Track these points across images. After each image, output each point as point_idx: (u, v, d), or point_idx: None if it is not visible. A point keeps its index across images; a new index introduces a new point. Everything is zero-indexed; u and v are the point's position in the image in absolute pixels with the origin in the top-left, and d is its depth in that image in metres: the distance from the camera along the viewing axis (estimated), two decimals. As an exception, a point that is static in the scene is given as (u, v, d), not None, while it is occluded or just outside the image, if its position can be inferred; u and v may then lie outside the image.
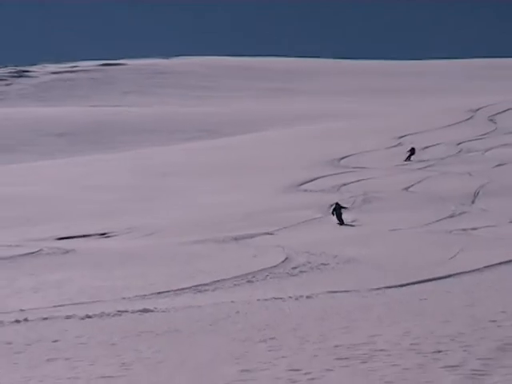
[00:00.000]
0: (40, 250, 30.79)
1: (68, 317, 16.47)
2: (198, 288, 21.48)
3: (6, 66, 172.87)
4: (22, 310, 18.07)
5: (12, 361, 11.95)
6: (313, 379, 9.60)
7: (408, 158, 57.27)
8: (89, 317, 16.42)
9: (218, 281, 22.35)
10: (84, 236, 37.48)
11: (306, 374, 9.84)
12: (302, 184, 50.64)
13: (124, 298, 19.70)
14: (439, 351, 10.68)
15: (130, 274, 24.80)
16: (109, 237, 37.92)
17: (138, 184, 55.30)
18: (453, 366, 9.73)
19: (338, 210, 43.23)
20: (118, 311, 17.26)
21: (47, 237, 36.57)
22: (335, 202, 43.43)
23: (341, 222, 42.73)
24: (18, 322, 16.12)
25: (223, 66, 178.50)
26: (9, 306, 19.06)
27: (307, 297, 18.88)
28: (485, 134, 68.01)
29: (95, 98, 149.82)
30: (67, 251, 31.07)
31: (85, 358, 11.69)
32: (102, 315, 16.74)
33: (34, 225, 41.57)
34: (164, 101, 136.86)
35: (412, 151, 57.28)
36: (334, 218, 39.90)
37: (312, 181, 51.12)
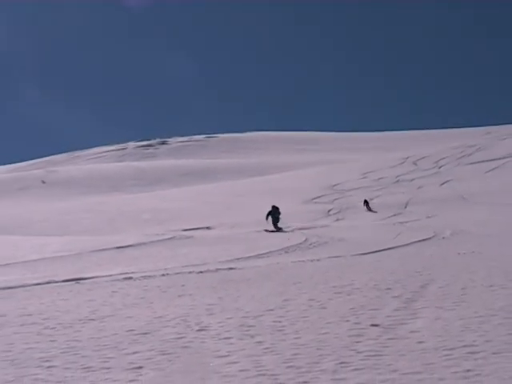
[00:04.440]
0: (174, 236, 33.95)
1: (190, 272, 17.86)
2: (259, 256, 22.88)
3: (156, 138, 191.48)
4: (165, 269, 18.97)
5: (160, 296, 13.30)
6: (322, 305, 11.19)
7: (368, 208, 53.65)
8: (201, 272, 17.81)
9: (270, 251, 24.05)
10: (197, 228, 41.22)
11: (317, 301, 11.51)
12: (313, 198, 61.97)
13: (219, 262, 20.79)
14: (388, 288, 12.54)
15: (221, 248, 26.23)
16: (210, 229, 41.87)
17: (227, 200, 62.75)
18: (396, 296, 11.61)
19: (273, 214, 37.38)
20: (217, 269, 18.38)
21: (178, 229, 40.12)
22: (272, 205, 38.35)
23: (276, 228, 36.62)
24: (163, 275, 17.43)
25: (273, 137, 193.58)
26: (158, 266, 20.05)
27: (317, 260, 20.42)
28: (411, 171, 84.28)
29: (205, 154, 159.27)
30: (189, 237, 34.11)
31: (199, 295, 13.13)
32: (207, 271, 17.98)
33: (171, 223, 45.71)
34: (241, 156, 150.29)
35: (366, 202, 54.52)
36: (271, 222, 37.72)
37: (319, 197, 63.04)
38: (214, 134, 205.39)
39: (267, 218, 36.71)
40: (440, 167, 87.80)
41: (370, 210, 53.41)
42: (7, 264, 22.43)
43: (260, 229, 37.41)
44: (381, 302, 11.26)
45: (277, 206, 37.91)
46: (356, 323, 9.55)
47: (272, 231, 34.96)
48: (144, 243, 30.17)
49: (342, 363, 7.48)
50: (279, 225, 37.00)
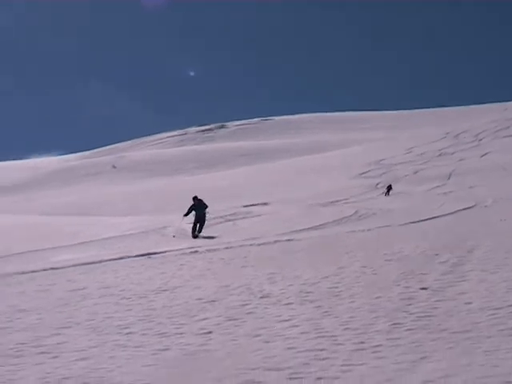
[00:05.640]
0: (236, 212, 34.25)
1: (251, 244, 17.79)
2: (314, 227, 22.84)
3: (216, 123, 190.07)
4: (228, 242, 19.01)
5: (224, 267, 13.46)
6: (374, 271, 11.23)
7: (387, 193, 47.97)
8: (261, 244, 17.70)
9: (323, 224, 24.00)
10: (256, 204, 41.28)
11: (370, 268, 11.54)
12: (362, 173, 61.05)
13: (277, 234, 20.74)
14: (436, 254, 12.47)
15: (278, 222, 26.61)
16: (267, 204, 41.79)
17: (281, 178, 62.64)
18: (443, 262, 11.57)
19: (197, 210, 23.67)
20: (275, 241, 18.50)
21: (239, 205, 40.37)
22: (194, 197, 23.72)
23: (194, 232, 22.94)
24: (226, 248, 17.46)
25: (322, 118, 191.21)
26: (221, 240, 20.18)
27: (367, 230, 20.27)
28: (452, 145, 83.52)
29: (260, 136, 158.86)
30: (248, 212, 34.33)
31: (260, 265, 13.14)
32: (267, 243, 17.92)
33: (231, 200, 45.87)
34: (293, 136, 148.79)
35: (389, 187, 48.98)
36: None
37: (367, 172, 62.03)
38: (268, 116, 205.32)
39: (186, 215, 23.91)
40: (480, 140, 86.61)
41: (387, 194, 49.25)
42: (85, 242, 22.88)
43: (313, 202, 37.40)
44: (429, 266, 11.20)
45: (200, 197, 24.64)
46: (406, 287, 9.54)
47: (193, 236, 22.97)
48: (207, 219, 30.51)
49: (395, 324, 7.49)
50: (204, 227, 24.01)
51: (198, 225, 23.65)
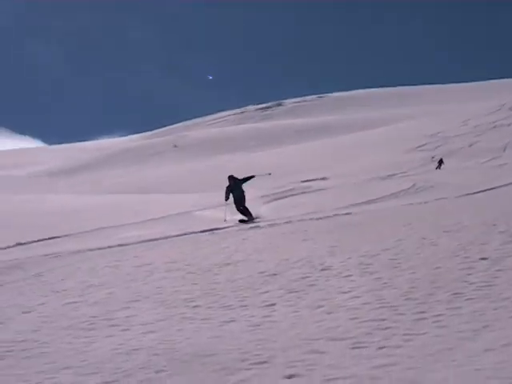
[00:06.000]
0: (293, 188, 34.24)
1: (310, 219, 17.74)
2: (372, 201, 22.82)
3: (274, 101, 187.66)
4: (288, 217, 18.98)
5: (285, 241, 13.35)
6: (433, 242, 10.88)
7: (439, 167, 46.97)
8: (320, 218, 17.69)
9: (381, 197, 23.94)
10: (314, 179, 41.16)
11: (429, 240, 11.21)
12: (418, 147, 59.49)
13: (336, 208, 20.74)
14: (494, 224, 12.07)
15: (337, 196, 26.72)
16: (325, 179, 41.58)
17: (339, 153, 62.20)
18: (502, 232, 11.12)
19: (235, 191, 21.01)
20: (334, 214, 18.42)
21: (296, 181, 40.37)
22: (230, 176, 20.63)
23: (243, 213, 20.65)
24: (286, 222, 17.41)
25: (378, 93, 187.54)
26: (281, 215, 20.38)
27: (425, 202, 20.10)
28: (507, 117, 79.91)
29: (317, 113, 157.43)
30: (307, 187, 34.32)
31: (320, 238, 13.00)
32: (326, 217, 17.85)
33: (290, 176, 45.94)
34: (349, 112, 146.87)
35: (441, 161, 48.05)
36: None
37: (423, 145, 60.34)
38: (324, 93, 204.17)
39: (227, 199, 20.81)
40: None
41: (439, 168, 48.04)
42: (152, 219, 23.22)
43: (371, 177, 37.08)
44: (488, 237, 10.95)
45: (236, 176, 21.58)
46: (466, 257, 9.37)
47: (242, 221, 20.16)
48: (267, 195, 30.56)
49: (455, 294, 7.39)
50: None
51: (240, 208, 20.77)
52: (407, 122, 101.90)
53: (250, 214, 20.44)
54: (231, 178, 20.94)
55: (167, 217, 23.47)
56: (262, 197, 29.54)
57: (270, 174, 24.81)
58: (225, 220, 20.34)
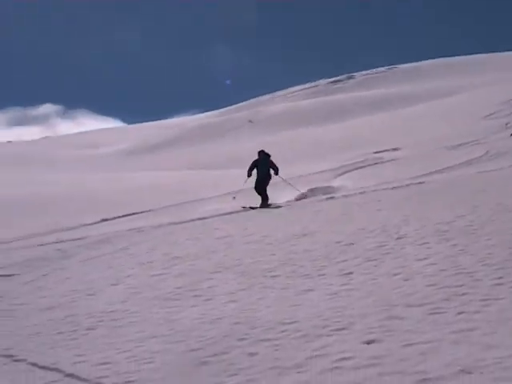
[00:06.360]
0: (366, 159, 33.91)
1: (384, 189, 17.36)
2: (445, 169, 22.27)
3: (344, 74, 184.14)
4: (361, 187, 18.60)
5: (359, 211, 13.02)
6: (509, 208, 10.46)
7: None
8: (394, 188, 17.24)
9: (453, 165, 23.12)
10: (386, 150, 40.50)
11: (504, 206, 10.74)
12: (490, 114, 57.11)
13: (409, 178, 20.36)
14: None
15: (409, 166, 26.23)
16: (397, 150, 40.73)
17: (409, 124, 61.01)
18: None
19: (260, 169, 18.68)
20: (407, 184, 17.81)
21: (369, 152, 39.87)
22: (260, 150, 18.45)
23: (261, 195, 18.47)
24: (360, 193, 16.89)
25: (448, 63, 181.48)
26: (355, 185, 20.08)
27: (499, 169, 18.94)
28: None
29: (388, 85, 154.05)
30: (380, 158, 33.88)
31: (394, 207, 12.70)
32: (400, 187, 17.36)
33: (362, 147, 45.35)
34: (420, 83, 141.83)
35: None
36: None
37: (495, 113, 57.30)
38: (395, 65, 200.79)
39: (249, 175, 18.59)
40: None
41: None
42: (227, 193, 23.40)
43: (441, 146, 36.24)
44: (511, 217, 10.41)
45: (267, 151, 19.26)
46: (544, 223, 8.99)
47: (252, 208, 17.98)
48: (338, 167, 30.39)
49: (533, 259, 7.16)
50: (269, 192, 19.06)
51: (259, 190, 18.47)
52: (477, 90, 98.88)
53: (267, 200, 18.28)
54: (261, 152, 18.84)
55: (243, 190, 23.63)
56: (336, 169, 29.40)
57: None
58: (234, 197, 19.17)
